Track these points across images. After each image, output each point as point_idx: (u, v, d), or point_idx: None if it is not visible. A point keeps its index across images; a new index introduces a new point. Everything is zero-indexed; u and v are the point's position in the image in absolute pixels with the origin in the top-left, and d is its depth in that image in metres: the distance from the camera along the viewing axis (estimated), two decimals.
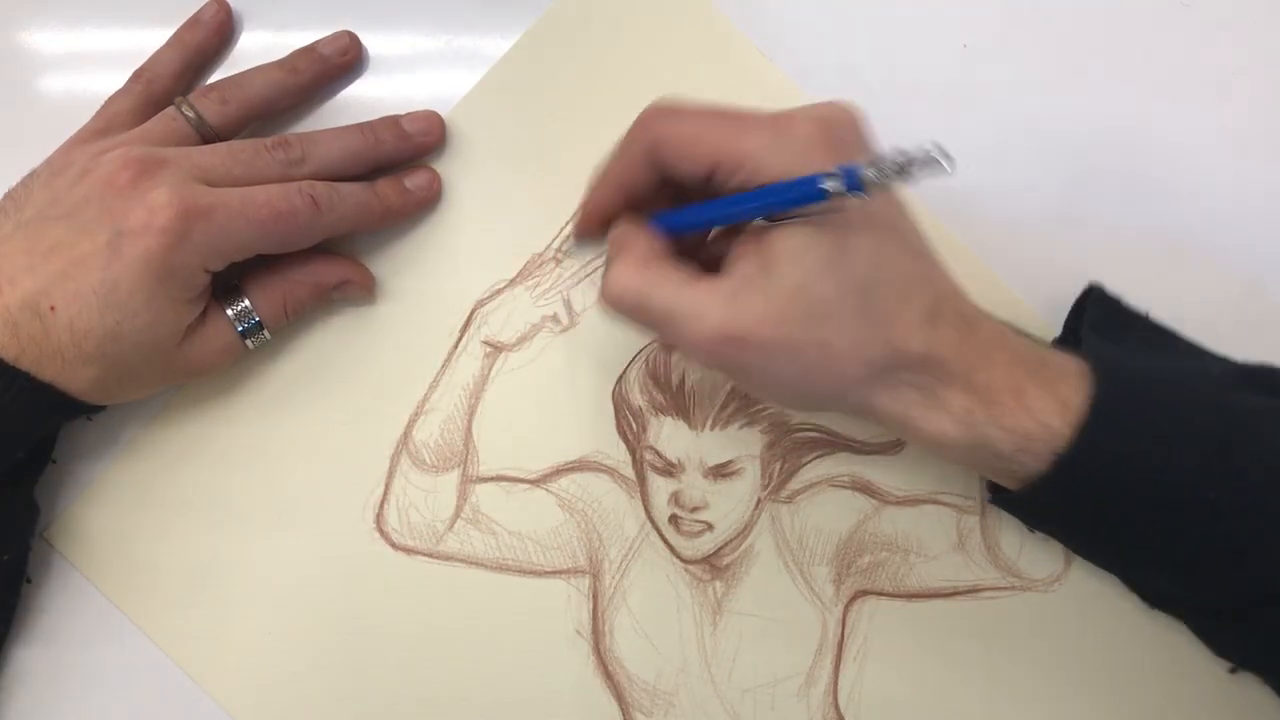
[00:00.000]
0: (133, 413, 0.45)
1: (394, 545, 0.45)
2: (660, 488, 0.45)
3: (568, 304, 0.46)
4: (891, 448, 0.46)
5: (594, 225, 0.42)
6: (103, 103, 0.44)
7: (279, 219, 0.41)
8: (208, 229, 0.39)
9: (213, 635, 0.45)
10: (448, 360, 0.46)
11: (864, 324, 0.36)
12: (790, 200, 0.35)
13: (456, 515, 0.45)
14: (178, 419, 0.46)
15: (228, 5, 0.46)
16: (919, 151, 0.30)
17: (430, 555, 0.45)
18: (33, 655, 0.45)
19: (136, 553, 0.45)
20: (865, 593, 0.45)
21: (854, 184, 0.32)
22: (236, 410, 0.46)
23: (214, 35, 0.46)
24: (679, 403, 0.46)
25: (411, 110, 0.45)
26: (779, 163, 0.36)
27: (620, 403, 0.46)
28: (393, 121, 0.45)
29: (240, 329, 0.43)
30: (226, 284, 0.43)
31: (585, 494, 0.45)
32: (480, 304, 0.46)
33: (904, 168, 0.31)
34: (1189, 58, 0.46)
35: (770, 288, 0.36)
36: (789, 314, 0.36)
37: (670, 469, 0.45)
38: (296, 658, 0.45)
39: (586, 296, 0.46)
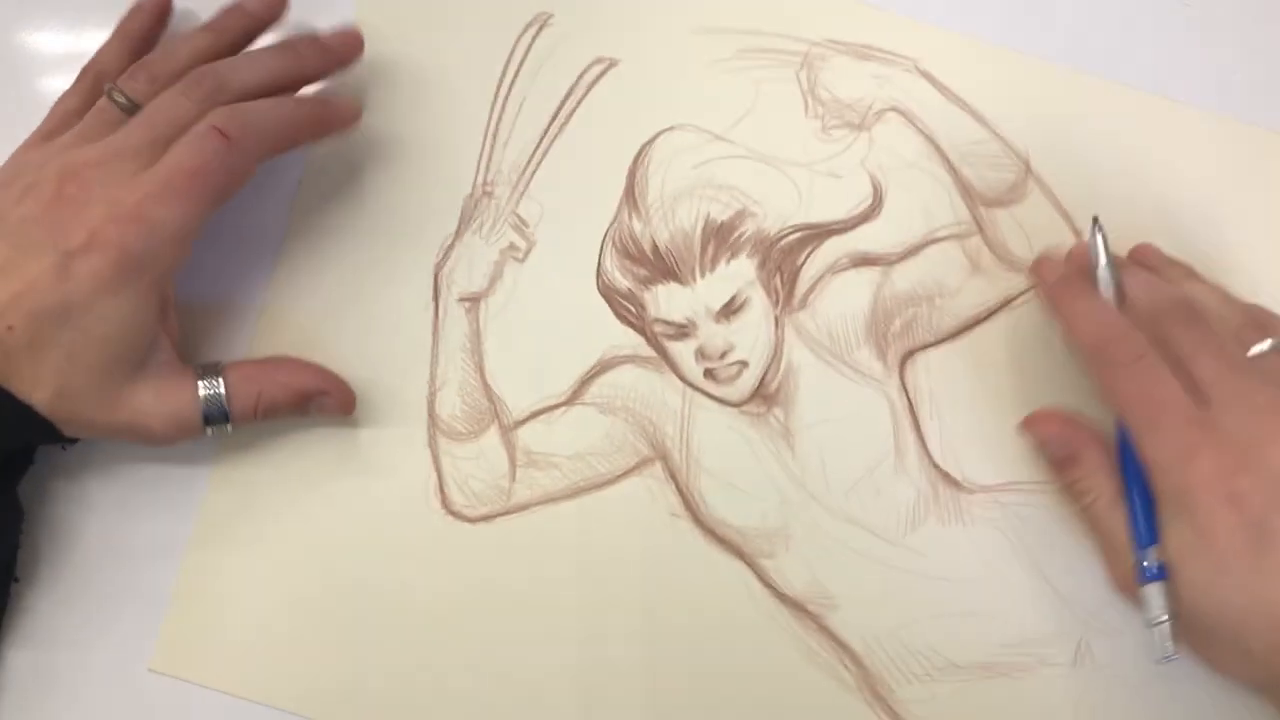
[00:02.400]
0: None
1: (471, 519, 0.45)
2: (683, 351, 0.46)
3: (518, 227, 0.46)
4: (869, 214, 0.46)
5: None
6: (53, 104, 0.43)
7: (197, 177, 0.40)
8: (143, 230, 0.39)
9: (303, 659, 0.45)
10: (435, 331, 0.46)
11: None
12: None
13: (513, 466, 0.45)
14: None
15: None
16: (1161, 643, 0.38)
17: (507, 513, 0.45)
18: (22, 657, 0.44)
19: (218, 585, 0.45)
20: (911, 352, 0.45)
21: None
22: (274, 444, 0.45)
23: (155, 19, 0.45)
24: (661, 267, 0.46)
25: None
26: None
27: (609, 292, 0.46)
28: (310, 37, 0.44)
29: (205, 413, 0.41)
30: (210, 363, 0.42)
31: (618, 390, 0.45)
32: (439, 267, 0.46)
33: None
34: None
35: (1204, 554, 0.38)
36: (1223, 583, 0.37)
37: (683, 330, 0.46)
38: (413, 664, 0.45)
39: (528, 209, 0.46)
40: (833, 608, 0.44)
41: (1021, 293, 0.45)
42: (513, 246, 0.46)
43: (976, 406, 0.45)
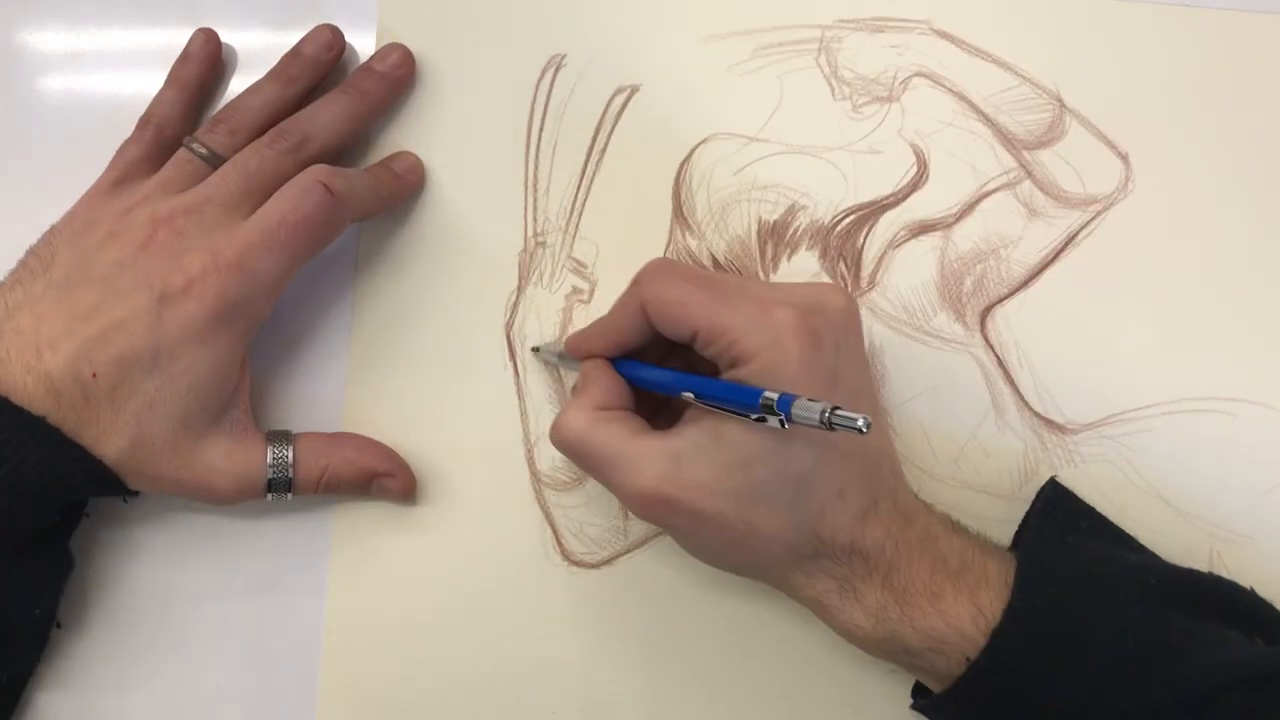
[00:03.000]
0: None
1: (594, 566, 0.45)
2: None
3: (578, 270, 0.46)
4: (917, 182, 0.46)
5: (579, 357, 0.43)
6: (115, 153, 0.43)
7: (300, 229, 0.40)
8: (243, 279, 0.39)
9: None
10: (519, 389, 0.46)
11: (794, 512, 0.37)
12: (729, 401, 0.37)
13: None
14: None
15: (214, 33, 0.45)
16: (848, 417, 0.32)
17: (629, 550, 0.45)
18: (63, 700, 0.44)
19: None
20: (988, 308, 0.45)
21: (785, 412, 0.34)
22: (388, 523, 0.45)
23: (208, 67, 0.45)
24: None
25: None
26: (754, 344, 0.37)
27: None
28: (365, 70, 0.45)
29: (270, 477, 0.42)
30: (281, 430, 0.43)
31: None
32: (508, 327, 0.46)
33: (829, 422, 0.33)
34: None
35: (712, 459, 0.37)
36: (724, 488, 0.37)
37: None
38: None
39: (583, 250, 0.46)
40: None
41: (1083, 226, 0.45)
42: (576, 290, 0.46)
43: (1063, 347, 0.45)
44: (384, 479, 0.44)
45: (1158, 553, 0.43)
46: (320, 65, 0.45)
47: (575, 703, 0.45)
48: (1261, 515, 0.45)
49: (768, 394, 0.35)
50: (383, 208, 0.45)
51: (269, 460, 0.42)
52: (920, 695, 0.42)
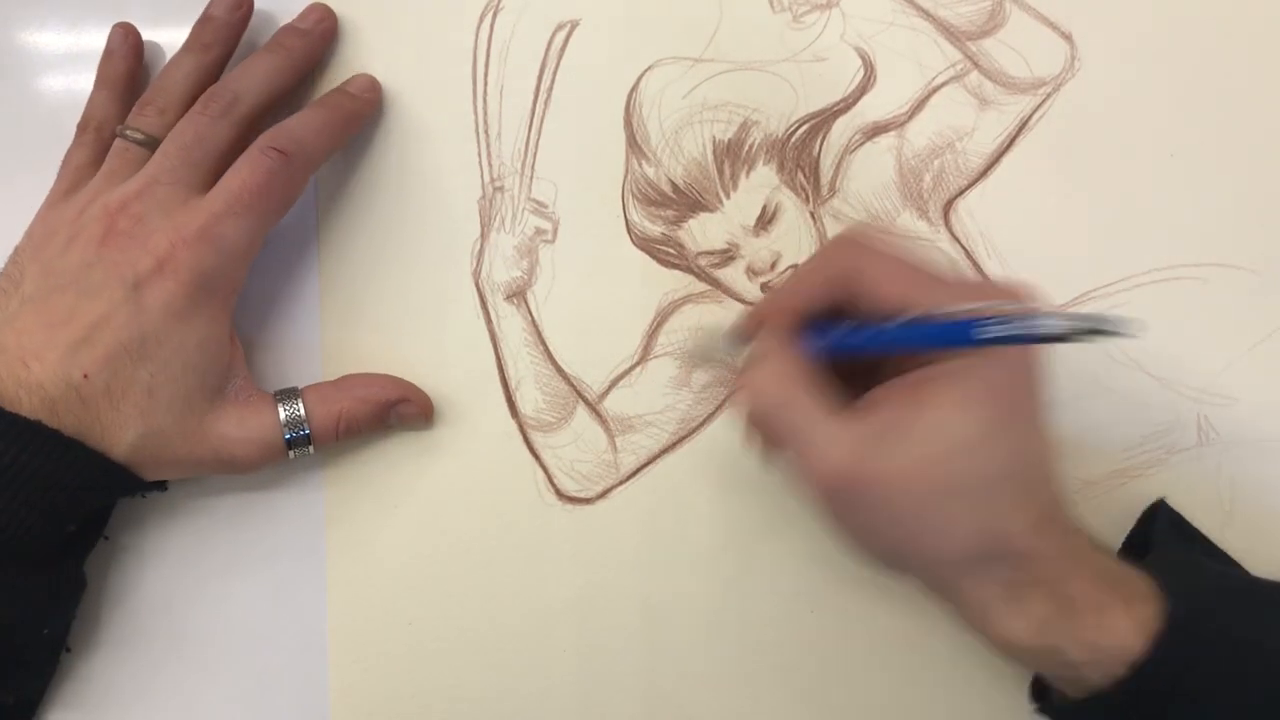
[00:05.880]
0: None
1: (589, 500, 0.45)
2: (735, 275, 0.46)
3: (538, 210, 0.46)
4: (865, 85, 0.46)
5: (754, 330, 0.40)
6: (60, 164, 0.44)
7: (262, 193, 0.40)
8: (213, 248, 0.39)
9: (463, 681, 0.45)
10: (493, 336, 0.46)
11: (982, 512, 0.35)
12: (939, 342, 0.35)
13: (611, 437, 0.45)
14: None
15: (132, 27, 0.46)
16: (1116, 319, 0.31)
17: (621, 483, 0.45)
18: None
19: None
20: (950, 202, 0.45)
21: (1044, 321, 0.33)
22: (380, 481, 0.46)
23: (133, 60, 0.45)
24: (685, 202, 0.46)
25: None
26: None
27: (644, 243, 0.46)
28: (289, 28, 0.45)
29: (288, 436, 0.42)
30: (287, 388, 0.43)
31: (685, 332, 0.46)
32: (475, 274, 0.46)
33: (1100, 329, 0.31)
34: None
35: (910, 446, 0.35)
36: (919, 478, 0.35)
37: (728, 255, 0.46)
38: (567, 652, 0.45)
39: (542, 190, 0.46)
40: None
41: (1034, 110, 0.45)
42: (539, 231, 0.46)
43: (1028, 232, 0.45)
44: (400, 406, 0.44)
45: (1144, 422, 0.43)
46: (232, 26, 0.45)
47: (581, 635, 0.45)
48: (1243, 376, 0.45)
49: (986, 322, 0.33)
50: (342, 140, 0.44)
51: (282, 419, 0.42)
52: (1038, 697, 0.40)
